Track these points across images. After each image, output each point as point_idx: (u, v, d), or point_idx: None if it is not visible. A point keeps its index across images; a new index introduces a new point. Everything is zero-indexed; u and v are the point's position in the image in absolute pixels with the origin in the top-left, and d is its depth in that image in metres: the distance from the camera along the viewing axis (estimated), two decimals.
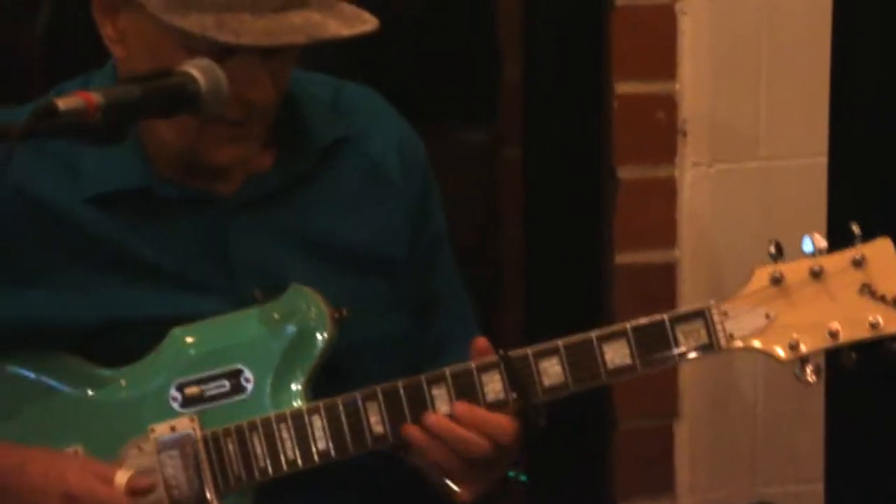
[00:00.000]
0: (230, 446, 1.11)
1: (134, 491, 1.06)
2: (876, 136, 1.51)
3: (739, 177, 1.57)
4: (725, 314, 1.07)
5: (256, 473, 1.10)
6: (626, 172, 1.55)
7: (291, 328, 1.15)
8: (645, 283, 1.55)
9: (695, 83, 1.55)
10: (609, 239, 1.57)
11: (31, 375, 1.18)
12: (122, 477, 1.06)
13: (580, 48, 1.51)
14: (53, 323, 1.15)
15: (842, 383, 1.34)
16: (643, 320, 1.08)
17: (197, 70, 0.99)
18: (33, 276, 1.16)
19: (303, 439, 1.10)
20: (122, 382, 1.15)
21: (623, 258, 1.56)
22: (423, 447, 1.06)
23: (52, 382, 1.17)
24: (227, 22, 1.02)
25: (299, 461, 1.09)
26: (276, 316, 1.16)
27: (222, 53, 1.03)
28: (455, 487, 1.10)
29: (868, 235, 1.06)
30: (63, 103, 0.92)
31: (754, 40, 1.53)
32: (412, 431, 1.07)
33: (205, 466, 1.11)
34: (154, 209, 1.16)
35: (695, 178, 1.55)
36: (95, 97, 0.94)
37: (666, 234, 1.55)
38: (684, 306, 1.14)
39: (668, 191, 1.55)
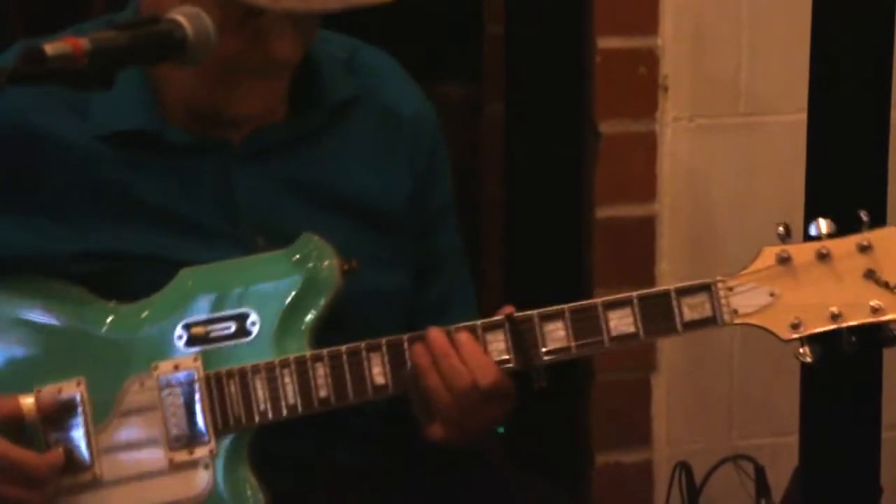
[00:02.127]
0: (232, 388, 1.14)
1: (46, 408, 1.11)
2: (855, 93, 1.54)
3: (720, 132, 1.61)
4: (731, 289, 1.11)
5: (256, 416, 1.13)
6: (607, 127, 1.59)
7: (301, 276, 1.19)
8: (624, 236, 1.59)
9: (676, 39, 1.59)
10: (589, 193, 1.60)
11: (39, 307, 1.22)
12: (28, 399, 1.10)
13: (562, 3, 1.53)
14: (53, 254, 1.18)
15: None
16: (649, 291, 1.12)
17: (184, 17, 1.01)
18: (34, 205, 1.20)
19: (304, 385, 1.14)
20: (129, 319, 1.19)
21: (603, 212, 1.60)
22: (422, 368, 1.11)
23: (59, 315, 1.21)
24: None
25: (299, 407, 1.12)
26: (286, 263, 1.20)
27: (254, 11, 1.07)
28: (433, 424, 1.14)
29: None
30: (50, 48, 0.94)
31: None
32: (418, 348, 1.12)
33: (205, 406, 1.14)
34: (162, 153, 1.19)
35: (675, 133, 1.60)
36: (83, 43, 0.95)
37: (646, 188, 1.59)
38: (686, 282, 1.19)
39: (648, 145, 1.59)
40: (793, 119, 1.61)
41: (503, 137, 1.61)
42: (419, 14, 1.57)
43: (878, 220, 1.10)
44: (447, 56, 1.54)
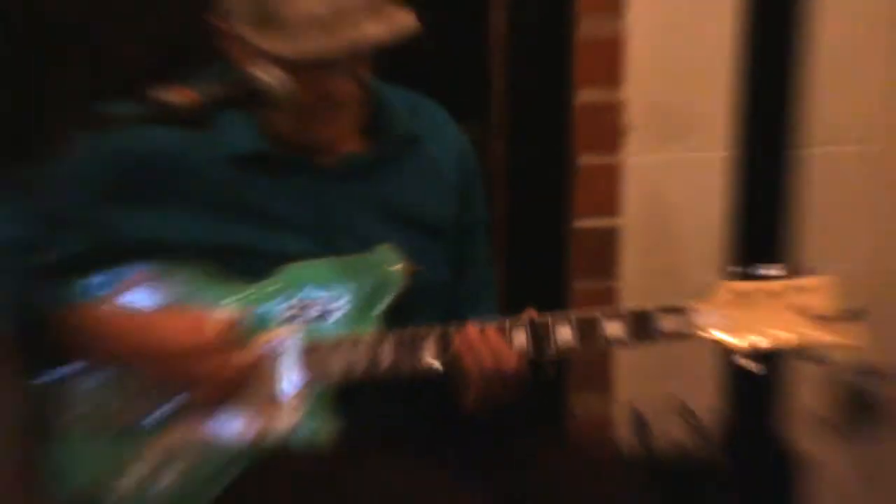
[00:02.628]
0: (321, 354, 1.40)
1: (225, 328, 1.35)
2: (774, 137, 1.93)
3: (672, 165, 1.98)
4: (698, 311, 1.35)
5: (336, 377, 1.38)
6: (584, 160, 1.94)
7: (377, 277, 1.45)
8: (594, 242, 1.97)
9: (637, 91, 1.92)
10: (569, 210, 1.96)
11: (174, 281, 1.46)
12: (218, 315, 1.35)
13: (551, 66, 1.89)
14: (196, 242, 1.42)
15: None
16: (638, 308, 1.36)
17: (264, 73, 1.27)
18: (171, 204, 1.42)
19: (374, 358, 1.37)
20: (244, 293, 1.43)
21: (580, 223, 1.97)
22: (460, 353, 1.35)
23: (192, 288, 1.46)
24: (302, 42, 1.29)
25: (367, 374, 1.36)
26: (366, 264, 1.46)
27: (301, 61, 1.29)
28: (466, 395, 1.40)
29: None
30: (174, 97, 1.18)
31: (688, 61, 1.93)
32: (458, 338, 1.35)
33: (304, 367, 1.40)
34: (267, 171, 1.42)
35: (635, 165, 1.96)
36: (193, 94, 1.19)
37: (612, 206, 1.96)
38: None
39: (615, 174, 1.95)
40: (726, 155, 1.91)
41: (505, 168, 1.95)
42: (442, 69, 1.90)
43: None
44: (464, 104, 1.85)
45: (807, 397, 2.01)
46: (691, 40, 1.89)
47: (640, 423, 1.92)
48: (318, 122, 1.39)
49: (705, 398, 1.93)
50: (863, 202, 2.02)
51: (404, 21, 1.32)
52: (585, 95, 1.90)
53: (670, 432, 1.95)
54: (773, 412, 1.92)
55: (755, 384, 1.91)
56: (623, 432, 1.97)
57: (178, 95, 1.18)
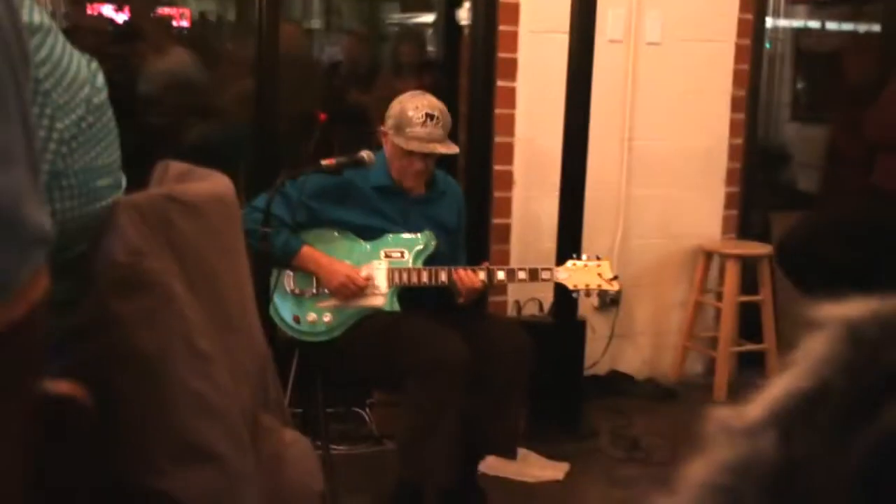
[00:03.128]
0: (396, 274, 3.02)
1: (364, 276, 3.05)
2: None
3: (536, 197, 4.18)
4: (557, 271, 3.10)
5: (407, 282, 3.03)
6: (497, 194, 4.19)
7: (425, 243, 3.06)
8: (501, 232, 4.22)
9: (519, 159, 4.27)
10: (489, 218, 4.19)
11: (338, 235, 3.10)
12: (363, 269, 3.10)
13: (484, 153, 4.18)
14: (352, 222, 3.06)
15: None
16: (532, 266, 3.10)
17: (366, 154, 3.04)
18: (347, 204, 3.03)
19: (419, 276, 3.01)
20: (368, 246, 3.05)
21: (495, 222, 4.24)
22: (457, 279, 2.99)
23: (347, 240, 3.12)
24: (412, 141, 3.00)
25: (416, 283, 3.03)
26: (423, 238, 3.06)
27: (409, 151, 3.00)
28: (460, 299, 3.01)
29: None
30: (325, 161, 3.00)
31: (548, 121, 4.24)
32: (454, 273, 2.99)
33: (388, 277, 3.03)
34: (390, 194, 3.07)
35: (518, 197, 4.26)
36: (333, 160, 3.03)
37: (507, 214, 4.26)
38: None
39: (508, 201, 4.23)
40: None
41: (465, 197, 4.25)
42: None
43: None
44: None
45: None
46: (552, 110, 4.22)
47: (518, 307, 4.27)
48: (411, 178, 3.12)
49: (544, 290, 4.27)
50: (613, 226, 4.43)
51: (453, 148, 3.10)
52: (500, 139, 4.20)
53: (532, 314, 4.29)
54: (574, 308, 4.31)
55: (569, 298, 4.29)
56: (513, 313, 4.30)
57: (329, 163, 3.19)
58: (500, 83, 4.09)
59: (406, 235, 3.14)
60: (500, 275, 3.11)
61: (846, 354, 0.48)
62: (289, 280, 3.15)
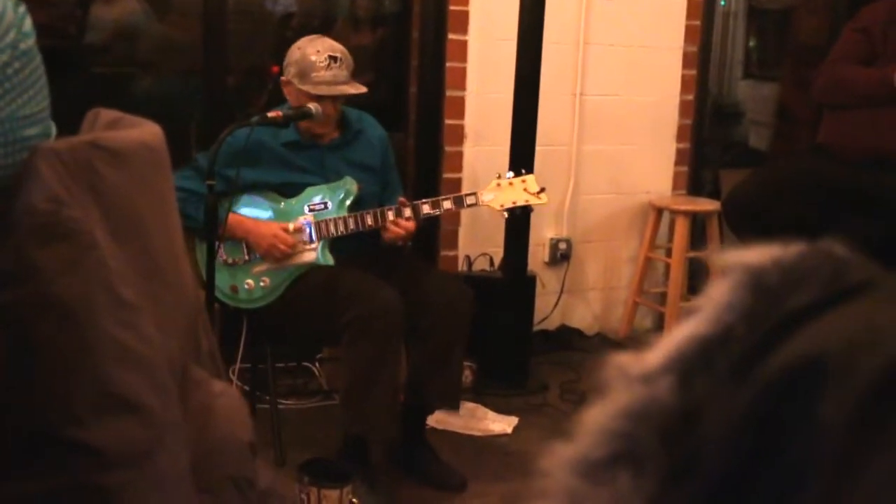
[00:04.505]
0: (322, 226, 2.97)
1: (292, 230, 3.02)
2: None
3: (487, 152, 4.19)
4: (481, 193, 3.06)
5: (332, 233, 2.97)
6: (448, 149, 4.19)
7: (347, 189, 3.02)
8: (452, 186, 4.25)
9: (470, 113, 4.25)
10: (440, 173, 4.19)
11: (259, 197, 3.07)
12: (289, 225, 3.09)
13: (435, 107, 4.16)
14: (270, 182, 3.03)
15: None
16: (459, 194, 3.13)
17: (312, 106, 3.03)
18: (261, 165, 2.96)
19: (346, 224, 2.97)
20: (292, 202, 3.02)
21: (445, 176, 4.25)
22: (388, 226, 2.98)
23: (269, 201, 3.06)
24: (319, 86, 2.92)
25: (344, 232, 2.98)
26: (343, 186, 3.00)
27: (318, 97, 2.93)
28: (400, 243, 3.01)
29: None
30: (270, 114, 2.90)
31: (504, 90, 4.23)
32: (387, 229, 2.98)
33: (314, 231, 3.01)
34: (299, 147, 3.02)
35: (468, 151, 4.24)
36: (279, 112, 2.92)
37: (458, 169, 4.27)
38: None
39: (459, 155, 4.23)
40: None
41: (414, 155, 4.18)
42: (387, 105, 4.14)
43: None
44: (396, 122, 4.07)
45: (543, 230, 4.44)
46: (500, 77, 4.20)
47: (468, 262, 4.27)
48: (321, 124, 3.04)
49: (494, 245, 4.29)
50: (564, 181, 4.44)
51: (361, 88, 3.01)
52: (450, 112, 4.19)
53: (483, 269, 4.30)
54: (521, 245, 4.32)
55: (519, 253, 4.30)
56: (463, 268, 4.31)
57: (274, 114, 3.08)
58: (451, 36, 4.06)
59: (326, 185, 3.10)
60: (426, 208, 3.07)
61: (747, 301, 0.48)
62: (220, 251, 3.12)
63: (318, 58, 2.97)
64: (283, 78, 3.08)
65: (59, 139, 0.99)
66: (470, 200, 3.10)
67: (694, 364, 0.47)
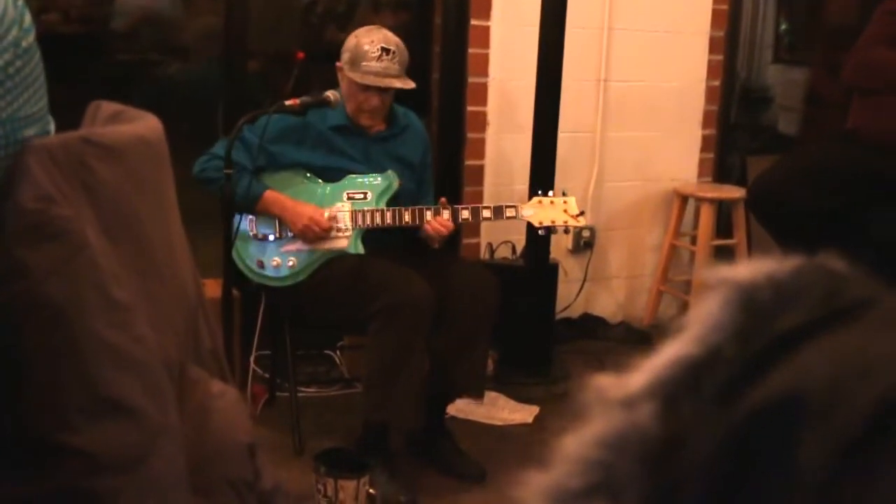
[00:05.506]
0: (359, 216, 2.98)
1: (328, 217, 3.00)
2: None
3: (509, 139, 4.12)
4: (521, 208, 3.06)
5: (367, 224, 2.99)
6: (471, 135, 4.15)
7: (388, 183, 3.04)
8: (474, 173, 4.19)
9: (493, 109, 4.19)
10: (462, 160, 4.13)
11: (299, 177, 3.05)
12: (326, 211, 3.05)
13: (457, 94, 4.12)
14: (313, 164, 3.02)
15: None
16: (497, 204, 3.04)
17: (331, 94, 3.03)
18: (306, 145, 2.98)
19: (383, 217, 2.97)
20: (331, 187, 3.02)
21: (468, 163, 4.19)
22: (429, 230, 2.98)
23: (309, 183, 3.06)
24: (367, 76, 2.94)
25: (381, 224, 3.00)
26: (385, 178, 3.02)
27: (365, 86, 2.94)
28: (435, 244, 3.01)
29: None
30: (288, 102, 2.86)
31: (525, 86, 4.18)
32: (428, 223, 2.97)
33: (350, 219, 2.99)
34: (348, 133, 3.02)
35: (490, 139, 4.19)
36: (297, 100, 2.91)
37: (480, 156, 4.21)
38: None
39: (481, 142, 4.17)
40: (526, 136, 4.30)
41: (437, 139, 4.14)
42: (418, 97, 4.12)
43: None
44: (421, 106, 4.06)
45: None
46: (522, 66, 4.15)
47: (491, 250, 4.24)
48: (367, 114, 3.05)
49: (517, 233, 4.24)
50: (587, 168, 4.38)
51: (409, 84, 3.03)
52: (472, 106, 4.14)
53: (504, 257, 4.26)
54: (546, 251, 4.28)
55: (541, 241, 4.25)
56: (486, 256, 4.27)
57: (293, 103, 3.07)
58: (473, 22, 4.02)
59: (368, 176, 3.10)
60: (465, 213, 3.06)
61: (737, 320, 0.45)
62: (251, 225, 3.10)
63: (371, 48, 2.97)
64: (337, 63, 3.09)
65: (54, 135, 0.97)
66: (509, 213, 3.10)
67: (679, 388, 0.44)
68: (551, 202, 3.13)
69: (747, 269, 0.47)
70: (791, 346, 0.41)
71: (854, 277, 0.46)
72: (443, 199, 3.05)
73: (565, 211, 3.13)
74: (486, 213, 3.07)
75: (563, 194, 3.17)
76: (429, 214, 3.01)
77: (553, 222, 3.12)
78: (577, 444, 0.44)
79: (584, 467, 0.43)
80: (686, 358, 0.45)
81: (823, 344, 0.39)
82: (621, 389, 0.45)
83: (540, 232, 3.21)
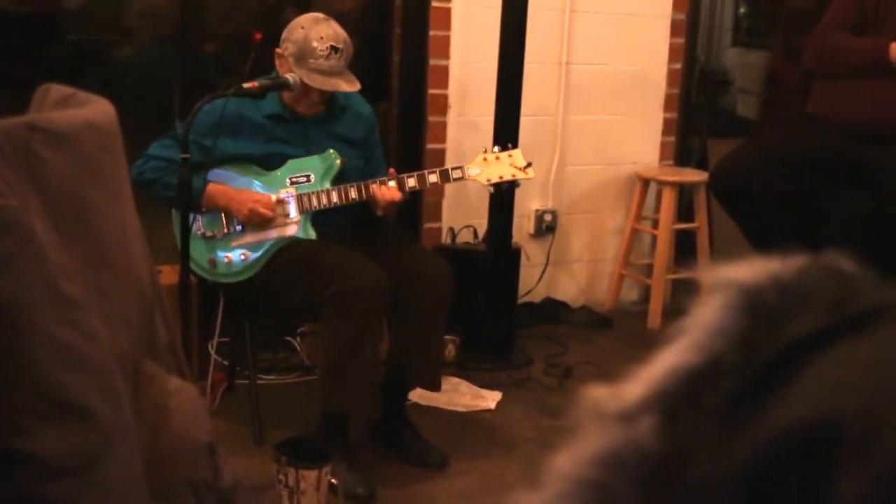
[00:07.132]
0: (304, 199, 2.91)
1: (275, 201, 2.96)
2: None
3: (472, 122, 4.15)
4: (468, 168, 2.99)
5: (314, 207, 2.92)
6: (431, 119, 4.12)
7: (330, 163, 2.94)
8: (436, 156, 4.16)
9: (454, 92, 4.16)
10: (423, 143, 4.10)
11: (236, 173, 2.98)
12: (273, 196, 3.24)
13: (418, 76, 4.07)
14: (251, 154, 2.97)
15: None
16: (444, 167, 2.98)
17: (290, 76, 2.90)
18: (242, 137, 2.90)
19: (328, 197, 2.90)
20: (274, 174, 2.94)
21: (429, 146, 4.16)
22: (373, 192, 2.92)
23: (249, 174, 2.98)
24: (314, 75, 2.87)
25: (328, 204, 2.93)
26: (325, 158, 2.93)
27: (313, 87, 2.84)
28: (379, 211, 2.92)
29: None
30: (246, 85, 2.76)
31: (487, 71, 4.14)
32: (371, 190, 2.93)
33: (296, 205, 2.92)
34: (283, 121, 2.96)
35: (452, 122, 4.17)
36: (256, 83, 2.80)
37: (441, 139, 4.18)
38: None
39: (442, 126, 4.14)
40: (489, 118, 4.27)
41: (397, 123, 4.08)
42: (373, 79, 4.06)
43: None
44: (381, 93, 4.00)
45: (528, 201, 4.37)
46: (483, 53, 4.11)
47: (452, 235, 4.20)
48: (306, 103, 3.00)
49: (478, 217, 4.22)
50: (549, 152, 4.36)
51: (355, 85, 2.94)
52: (434, 86, 4.10)
53: (466, 242, 4.23)
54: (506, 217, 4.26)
55: (504, 225, 4.23)
56: (447, 240, 4.24)
57: (250, 85, 2.83)
58: (434, 3, 3.97)
59: (309, 158, 3.04)
60: (412, 182, 3.01)
61: (741, 326, 0.42)
62: (197, 223, 3.03)
63: (319, 45, 2.90)
64: (278, 50, 3.00)
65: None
66: (456, 174, 3.03)
67: (679, 400, 0.41)
68: (496, 157, 3.06)
69: (749, 269, 0.43)
70: (804, 356, 0.38)
71: (863, 279, 0.43)
72: (391, 170, 3.02)
73: (512, 164, 3.06)
74: (433, 178, 3.02)
75: (508, 146, 3.10)
76: (374, 187, 2.97)
77: (501, 178, 3.06)
78: (570, 463, 0.41)
79: (579, 488, 0.40)
80: (686, 367, 0.42)
81: (844, 357, 0.36)
82: (617, 402, 0.42)
83: (490, 189, 3.15)
